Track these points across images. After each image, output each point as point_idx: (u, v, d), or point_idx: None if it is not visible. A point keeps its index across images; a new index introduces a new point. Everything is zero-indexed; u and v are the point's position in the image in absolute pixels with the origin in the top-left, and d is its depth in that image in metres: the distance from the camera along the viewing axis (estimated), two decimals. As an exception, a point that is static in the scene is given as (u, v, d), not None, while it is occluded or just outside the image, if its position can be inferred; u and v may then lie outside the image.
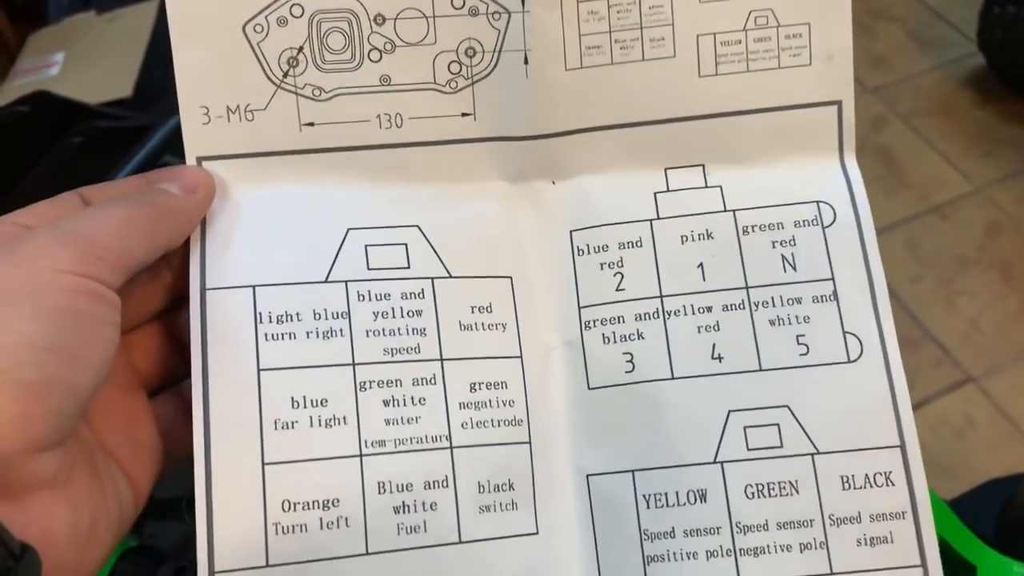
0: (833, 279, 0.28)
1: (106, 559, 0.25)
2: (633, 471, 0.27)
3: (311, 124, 0.29)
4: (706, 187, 0.29)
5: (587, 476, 0.28)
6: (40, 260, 0.23)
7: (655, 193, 0.29)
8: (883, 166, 1.14)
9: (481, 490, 0.27)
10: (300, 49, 0.28)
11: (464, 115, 0.29)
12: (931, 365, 0.97)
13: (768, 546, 0.26)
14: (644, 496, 0.27)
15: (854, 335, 0.28)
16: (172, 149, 0.34)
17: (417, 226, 0.29)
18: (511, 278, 0.29)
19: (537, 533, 0.27)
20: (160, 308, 0.29)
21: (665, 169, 0.30)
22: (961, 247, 1.07)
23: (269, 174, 0.28)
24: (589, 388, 0.28)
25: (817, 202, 0.29)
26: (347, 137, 0.29)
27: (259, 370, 0.26)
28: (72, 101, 0.65)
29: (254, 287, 0.27)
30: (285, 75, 0.28)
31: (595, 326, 0.29)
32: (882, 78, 1.24)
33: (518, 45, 0.28)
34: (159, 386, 0.29)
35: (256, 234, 0.28)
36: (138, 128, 0.64)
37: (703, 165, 0.30)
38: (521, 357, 0.28)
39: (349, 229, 0.28)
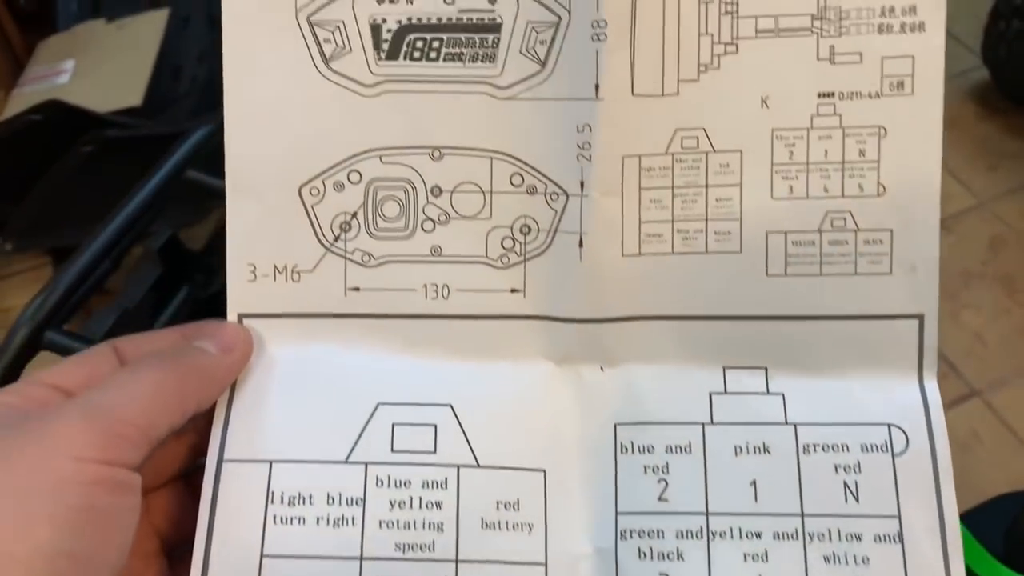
0: (899, 517, 0.26)
1: None
2: None
3: (357, 289, 0.28)
4: (767, 393, 0.27)
5: None
6: (63, 447, 0.22)
7: (711, 393, 0.27)
8: (888, 179, 1.14)
9: None
10: (354, 215, 0.28)
11: (513, 291, 0.28)
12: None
13: None
14: None
15: None
16: (194, 163, 0.34)
17: (450, 405, 0.27)
18: (545, 471, 0.27)
19: None
20: (183, 469, 0.28)
21: (724, 368, 0.27)
22: (965, 261, 1.07)
23: (308, 335, 0.28)
24: None
25: (889, 425, 0.26)
26: (392, 304, 0.28)
27: (262, 556, 0.26)
28: (83, 110, 0.66)
29: (271, 462, 0.26)
30: (336, 239, 0.28)
31: (632, 537, 0.26)
32: (887, 91, 1.24)
33: (574, 227, 0.27)
34: (181, 544, 0.28)
35: (284, 400, 0.27)
36: (149, 137, 0.64)
37: (765, 368, 0.27)
38: (546, 564, 0.26)
39: (379, 404, 0.27)
